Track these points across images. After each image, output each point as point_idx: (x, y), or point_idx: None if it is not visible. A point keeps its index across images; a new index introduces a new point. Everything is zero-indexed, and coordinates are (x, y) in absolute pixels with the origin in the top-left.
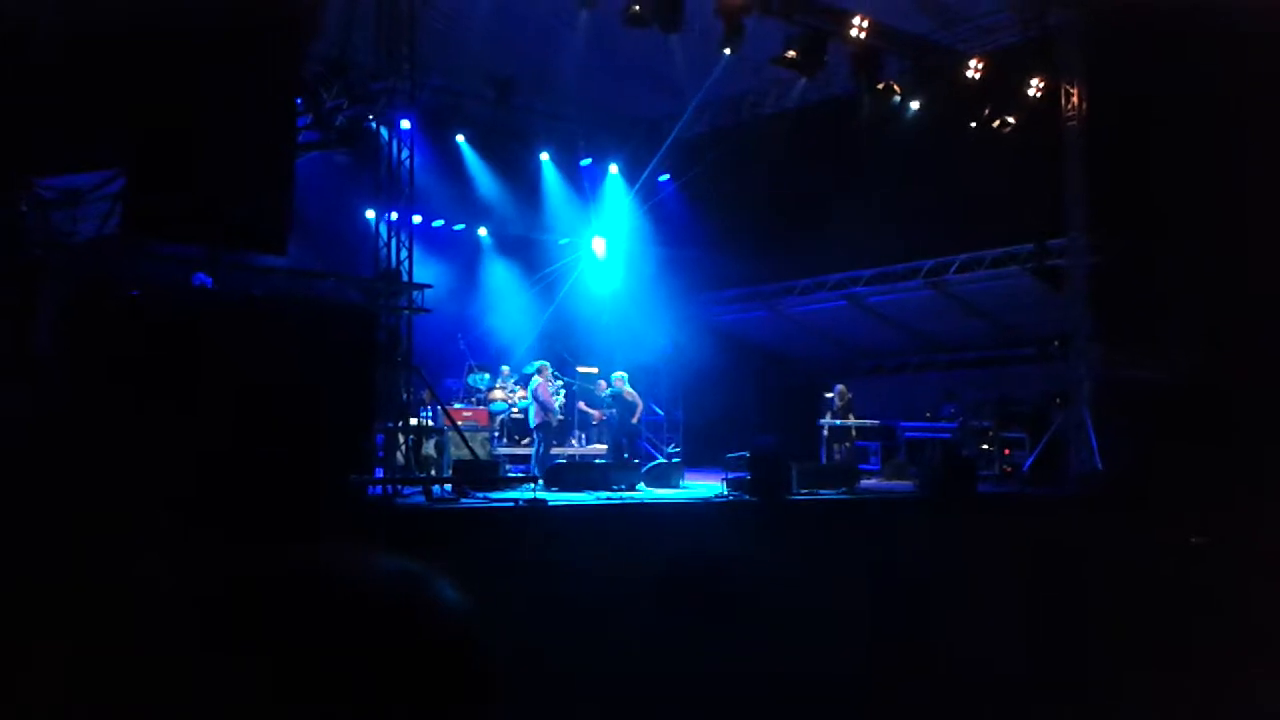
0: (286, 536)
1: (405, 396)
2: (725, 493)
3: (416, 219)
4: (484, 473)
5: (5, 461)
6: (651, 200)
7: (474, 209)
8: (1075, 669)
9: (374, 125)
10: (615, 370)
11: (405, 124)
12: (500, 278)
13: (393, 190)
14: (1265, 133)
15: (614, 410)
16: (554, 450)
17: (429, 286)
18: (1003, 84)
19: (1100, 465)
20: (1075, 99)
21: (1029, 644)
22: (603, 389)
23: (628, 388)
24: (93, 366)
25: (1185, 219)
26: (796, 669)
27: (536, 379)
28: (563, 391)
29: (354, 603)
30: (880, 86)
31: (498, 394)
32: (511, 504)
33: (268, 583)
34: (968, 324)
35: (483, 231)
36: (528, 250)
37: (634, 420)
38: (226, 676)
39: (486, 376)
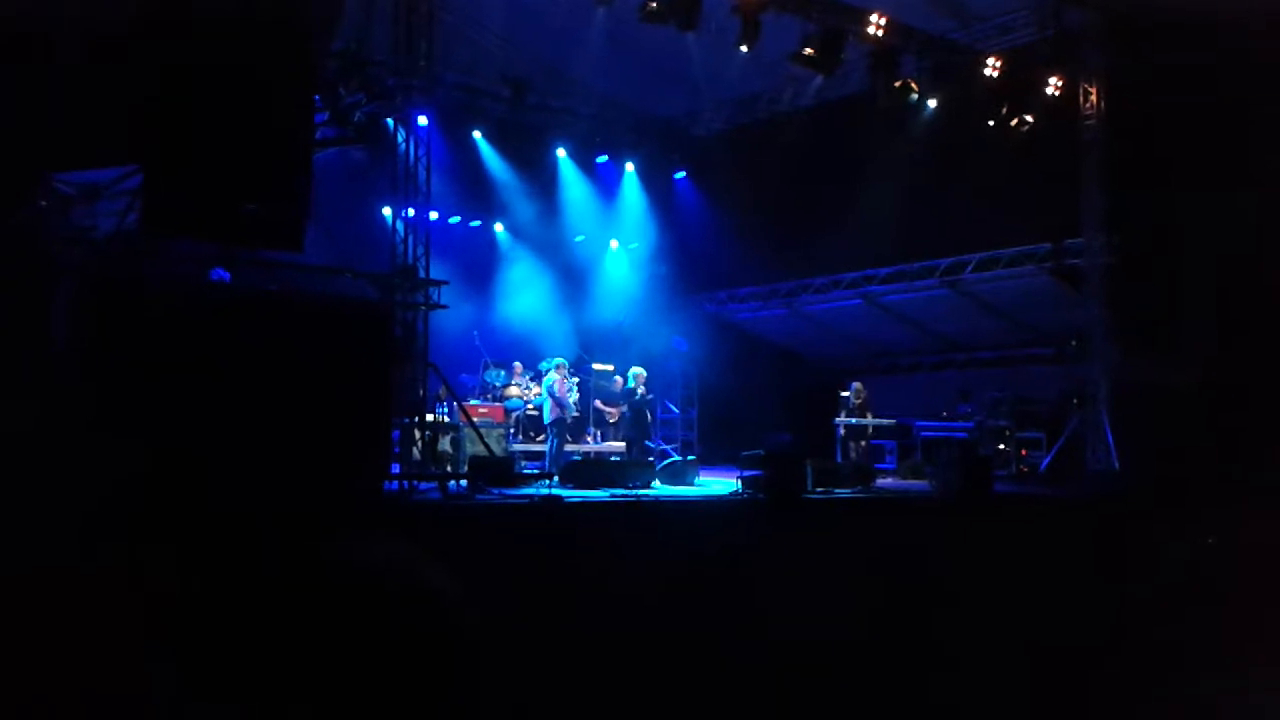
0: (302, 532)
1: (421, 392)
2: (740, 491)
3: (433, 215)
4: (499, 469)
5: (23, 456)
6: (667, 197)
7: (490, 205)
8: (1091, 668)
9: (390, 122)
10: (633, 367)
11: (422, 120)
12: (516, 274)
13: (409, 187)
14: None
15: (626, 409)
16: (569, 447)
17: (445, 283)
18: (1020, 82)
19: (1117, 465)
20: (1093, 98)
21: (1044, 643)
22: (619, 385)
23: (643, 386)
24: (110, 362)
25: (1203, 218)
26: (803, 670)
27: (553, 375)
28: (576, 389)
29: (366, 597)
30: (897, 84)
31: (513, 390)
32: (527, 500)
33: (281, 576)
34: (984, 323)
35: (499, 228)
36: (543, 247)
37: (649, 419)
38: (234, 666)
39: (502, 373)
